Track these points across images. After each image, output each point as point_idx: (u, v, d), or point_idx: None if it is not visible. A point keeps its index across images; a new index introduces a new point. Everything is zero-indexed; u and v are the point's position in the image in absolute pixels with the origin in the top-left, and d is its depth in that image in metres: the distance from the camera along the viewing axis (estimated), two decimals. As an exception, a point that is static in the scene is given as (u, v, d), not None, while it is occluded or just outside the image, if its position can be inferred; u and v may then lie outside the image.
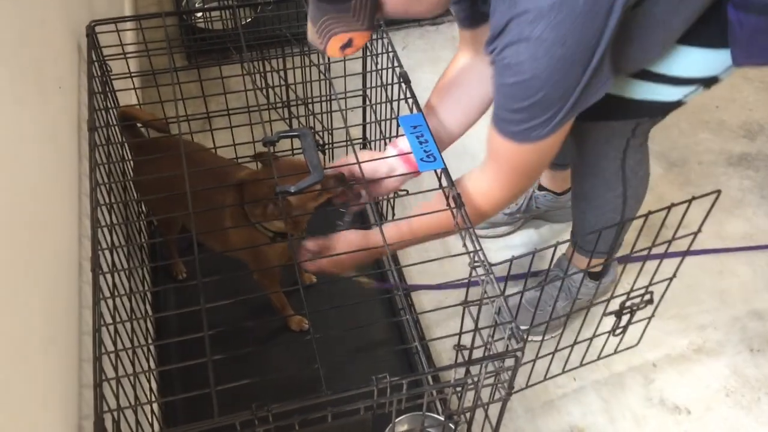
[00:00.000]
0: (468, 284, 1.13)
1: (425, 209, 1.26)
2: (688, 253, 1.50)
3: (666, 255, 1.47)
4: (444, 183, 1.23)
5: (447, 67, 1.49)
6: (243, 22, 2.47)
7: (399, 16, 1.25)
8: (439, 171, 1.24)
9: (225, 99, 1.71)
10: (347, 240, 1.37)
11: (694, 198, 1.33)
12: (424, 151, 1.23)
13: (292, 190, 1.20)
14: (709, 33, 1.27)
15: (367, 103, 1.87)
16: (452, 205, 1.20)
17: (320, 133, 1.95)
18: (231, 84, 1.81)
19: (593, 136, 1.49)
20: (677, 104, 1.41)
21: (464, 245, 1.14)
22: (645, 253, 1.44)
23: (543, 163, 1.30)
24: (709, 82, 1.36)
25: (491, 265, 1.10)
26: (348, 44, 1.20)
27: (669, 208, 1.34)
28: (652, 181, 1.60)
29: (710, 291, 1.90)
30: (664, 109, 1.43)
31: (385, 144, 1.67)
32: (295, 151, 1.82)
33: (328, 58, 1.72)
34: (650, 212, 1.34)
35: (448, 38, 2.61)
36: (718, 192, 1.33)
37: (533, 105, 1.14)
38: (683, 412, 1.66)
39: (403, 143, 1.39)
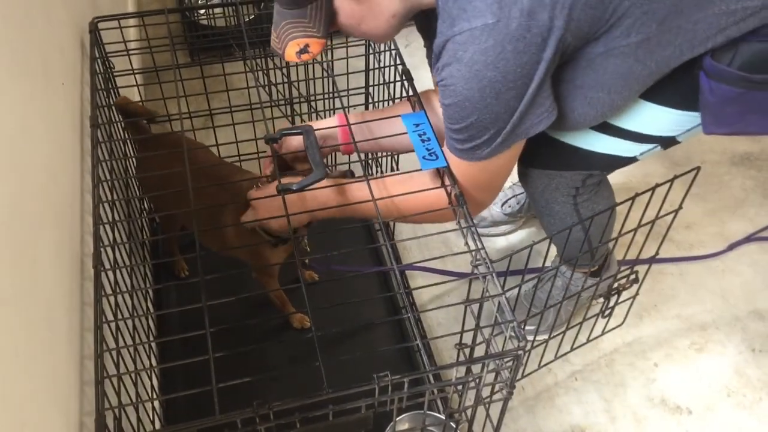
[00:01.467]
0: (470, 281, 1.13)
1: (409, 183, 1.27)
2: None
3: (657, 259, 1.47)
4: (446, 181, 1.23)
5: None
6: (245, 19, 2.46)
7: (351, 31, 1.27)
8: (441, 169, 1.24)
9: (227, 96, 1.71)
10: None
11: (676, 176, 1.35)
12: (427, 149, 1.23)
13: (295, 188, 1.20)
14: (678, 94, 1.29)
15: (370, 100, 1.86)
16: (454, 203, 1.21)
17: (323, 131, 1.94)
18: (233, 81, 1.81)
19: (542, 182, 1.50)
20: (631, 161, 1.42)
21: (466, 243, 1.14)
22: (632, 233, 1.45)
23: (495, 181, 1.30)
24: (668, 142, 1.38)
25: (492, 262, 1.10)
26: (304, 50, 1.24)
27: (653, 189, 1.35)
28: (654, 179, 1.60)
29: (712, 291, 1.90)
30: (618, 164, 1.44)
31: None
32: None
33: (332, 56, 1.72)
34: (636, 194, 1.35)
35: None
36: (698, 168, 1.35)
37: (469, 126, 1.17)
38: (684, 412, 1.66)
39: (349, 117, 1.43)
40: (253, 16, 2.48)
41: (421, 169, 1.23)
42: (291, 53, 1.24)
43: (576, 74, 1.22)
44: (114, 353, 1.07)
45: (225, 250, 1.55)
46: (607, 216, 1.49)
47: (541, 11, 1.08)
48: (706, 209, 2.09)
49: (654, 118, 1.33)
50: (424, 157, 1.22)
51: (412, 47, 2.50)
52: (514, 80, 1.11)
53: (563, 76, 1.21)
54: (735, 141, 2.28)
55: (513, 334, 1.05)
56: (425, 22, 1.25)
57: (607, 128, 1.36)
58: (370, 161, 2.00)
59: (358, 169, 2.01)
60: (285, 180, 1.25)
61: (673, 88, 1.28)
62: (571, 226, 1.42)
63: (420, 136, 1.25)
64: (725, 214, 2.08)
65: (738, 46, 1.20)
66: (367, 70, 1.81)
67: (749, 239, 2.00)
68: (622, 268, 1.56)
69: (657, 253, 1.57)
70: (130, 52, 1.60)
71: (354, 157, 1.87)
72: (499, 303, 1.07)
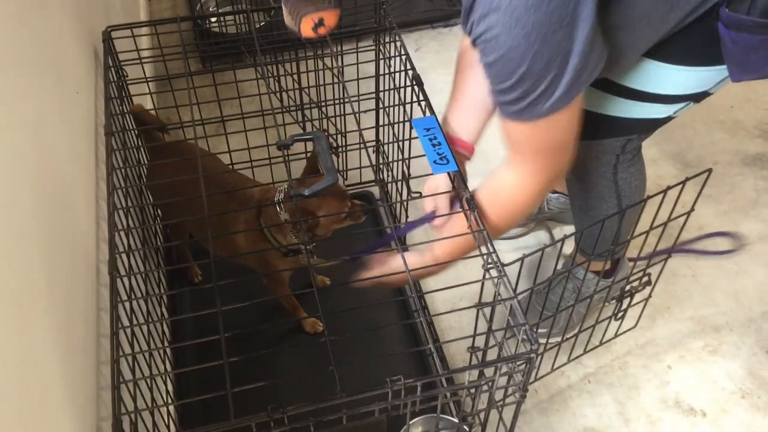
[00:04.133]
0: (482, 285, 1.14)
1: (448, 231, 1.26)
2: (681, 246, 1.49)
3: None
4: (457, 185, 1.24)
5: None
6: (257, 26, 2.48)
7: None
8: (452, 173, 1.25)
9: (239, 103, 1.72)
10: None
11: (687, 179, 1.34)
12: (438, 153, 1.24)
13: (306, 194, 1.21)
14: (702, 52, 1.27)
15: (381, 105, 1.87)
16: (466, 208, 1.21)
17: (334, 136, 1.96)
18: (245, 88, 1.83)
19: (582, 153, 1.47)
20: (667, 120, 1.41)
21: (478, 247, 1.14)
22: (644, 236, 1.46)
23: (565, 139, 1.19)
24: (700, 97, 1.36)
25: (504, 265, 1.10)
26: (320, 23, 1.21)
27: (665, 191, 1.35)
28: (666, 181, 1.60)
29: (726, 292, 1.89)
30: (655, 125, 1.43)
31: (398, 147, 1.68)
32: (308, 155, 1.83)
33: (341, 61, 1.73)
34: (648, 197, 1.34)
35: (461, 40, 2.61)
36: (709, 170, 1.35)
37: (521, 80, 1.07)
38: (699, 414, 1.65)
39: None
40: (263, 23, 2.50)
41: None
42: (307, 29, 1.21)
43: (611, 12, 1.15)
44: (129, 358, 1.08)
45: (233, 258, 1.56)
46: (642, 196, 1.48)
47: None
48: (718, 211, 2.08)
49: (684, 79, 1.31)
50: (435, 162, 1.23)
51: (422, 51, 2.52)
52: (560, 21, 1.02)
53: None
54: (746, 141, 2.27)
55: (525, 337, 1.05)
56: None
57: (639, 96, 1.34)
58: (381, 166, 2.01)
59: (369, 175, 2.02)
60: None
61: (696, 46, 1.24)
62: (606, 217, 1.42)
63: (431, 140, 1.26)
64: (738, 216, 2.07)
65: None
66: (377, 75, 1.82)
67: (764, 240, 1.99)
68: (635, 271, 1.56)
69: (669, 255, 1.57)
70: (143, 60, 1.62)
71: (365, 161, 1.88)
72: (511, 306, 1.07)
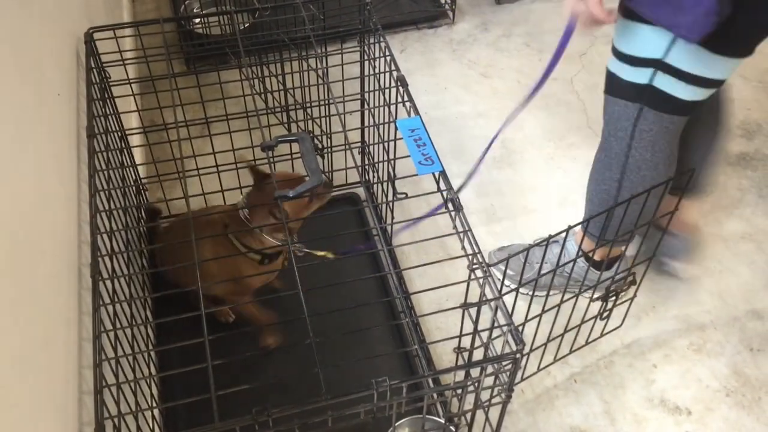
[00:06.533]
0: (468, 286, 1.14)
1: None
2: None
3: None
4: (442, 186, 1.24)
5: None
6: (241, 28, 2.47)
7: None
8: (437, 174, 1.25)
9: (224, 104, 1.71)
10: None
11: (671, 179, 1.36)
12: (422, 154, 1.24)
13: (291, 195, 1.20)
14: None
15: (365, 106, 1.87)
16: (450, 208, 1.21)
17: (319, 138, 1.95)
18: (229, 89, 1.82)
19: (609, 109, 1.54)
20: (650, 89, 1.42)
21: (463, 248, 1.14)
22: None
23: None
24: (656, 64, 1.38)
25: (489, 266, 1.10)
26: None
27: (648, 191, 1.35)
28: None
29: (710, 291, 1.90)
30: (641, 93, 1.44)
31: (384, 148, 1.68)
32: (294, 156, 1.83)
33: (326, 63, 1.73)
34: (633, 196, 1.35)
35: (446, 41, 2.61)
36: (692, 170, 1.36)
37: None
38: (684, 413, 1.66)
39: None
40: (248, 25, 2.50)
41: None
42: None
43: None
44: (113, 362, 1.07)
45: (207, 287, 1.52)
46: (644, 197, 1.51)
47: None
48: (702, 210, 2.09)
49: (639, 37, 1.37)
50: (420, 162, 1.23)
51: (407, 52, 2.51)
52: None
53: None
54: (729, 141, 2.29)
55: (511, 337, 1.05)
56: None
57: (615, 53, 1.43)
58: (367, 167, 2.00)
59: (354, 176, 2.01)
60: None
61: None
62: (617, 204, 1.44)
63: (415, 141, 1.26)
64: (721, 215, 2.08)
65: None
66: (362, 77, 1.81)
67: (746, 239, 2.00)
68: (620, 270, 1.57)
69: (654, 255, 1.57)
70: (126, 61, 1.61)
71: (351, 162, 1.88)
72: (497, 306, 1.07)
